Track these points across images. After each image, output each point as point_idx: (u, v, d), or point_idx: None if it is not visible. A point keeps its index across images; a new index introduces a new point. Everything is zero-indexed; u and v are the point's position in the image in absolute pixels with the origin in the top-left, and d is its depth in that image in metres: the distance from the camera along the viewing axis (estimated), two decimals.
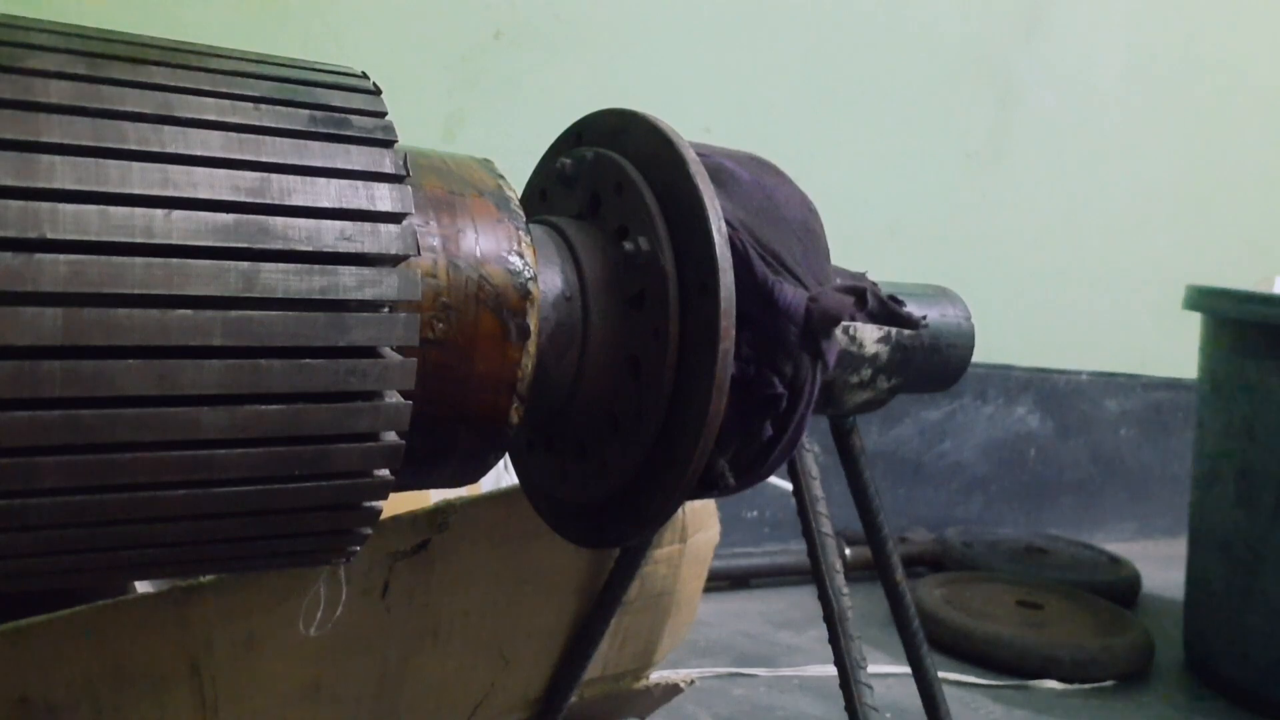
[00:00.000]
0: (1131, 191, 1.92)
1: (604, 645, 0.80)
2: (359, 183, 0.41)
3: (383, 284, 0.40)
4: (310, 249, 0.39)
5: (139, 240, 0.36)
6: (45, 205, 0.34)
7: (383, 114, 0.43)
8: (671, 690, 0.94)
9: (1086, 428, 1.92)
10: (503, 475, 0.92)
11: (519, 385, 0.47)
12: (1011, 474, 1.84)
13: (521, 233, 0.47)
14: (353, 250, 0.40)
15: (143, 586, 0.65)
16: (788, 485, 0.70)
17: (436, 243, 0.45)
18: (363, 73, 0.46)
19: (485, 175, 0.49)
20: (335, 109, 0.42)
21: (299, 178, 0.39)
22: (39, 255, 0.34)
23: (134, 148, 0.36)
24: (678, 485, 0.51)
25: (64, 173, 0.35)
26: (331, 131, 0.41)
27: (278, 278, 0.38)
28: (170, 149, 0.37)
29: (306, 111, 0.41)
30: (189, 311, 0.36)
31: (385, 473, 0.43)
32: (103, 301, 0.35)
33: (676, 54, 1.45)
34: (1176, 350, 1.62)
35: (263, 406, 0.38)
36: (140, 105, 0.37)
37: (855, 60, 1.61)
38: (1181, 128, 1.95)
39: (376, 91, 0.44)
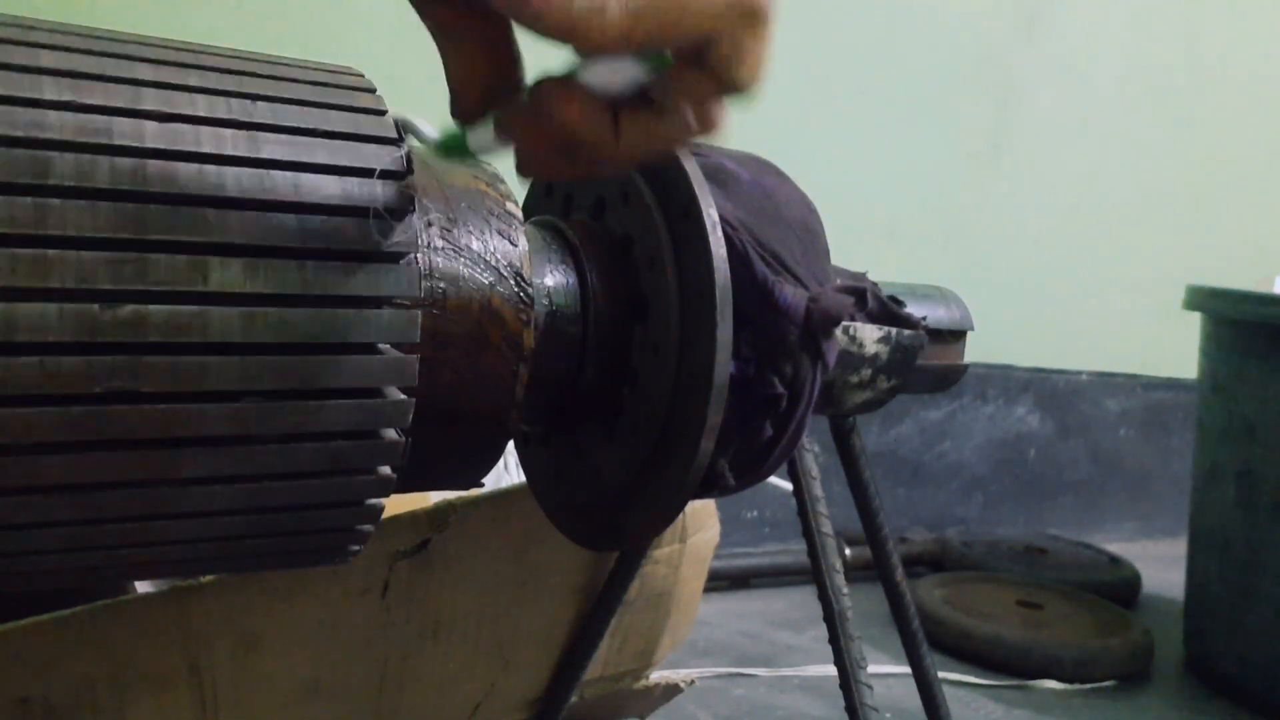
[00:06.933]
0: (1131, 191, 1.92)
1: (604, 645, 0.80)
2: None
3: (381, 282, 0.40)
4: None
5: None
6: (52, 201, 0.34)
7: (382, 113, 0.43)
8: (671, 690, 0.94)
9: (1086, 428, 1.92)
10: (503, 475, 0.92)
11: (518, 386, 0.47)
12: (1011, 474, 1.84)
13: (521, 234, 0.47)
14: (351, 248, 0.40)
15: (143, 586, 0.65)
16: (788, 485, 0.70)
17: (437, 242, 0.45)
18: (361, 74, 0.46)
19: (485, 176, 0.49)
20: (334, 108, 0.42)
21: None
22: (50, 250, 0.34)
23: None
24: (678, 488, 0.51)
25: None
26: (330, 130, 0.41)
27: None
28: None
29: (305, 110, 0.41)
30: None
31: (386, 470, 0.43)
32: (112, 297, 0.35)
33: None
34: (1176, 350, 1.62)
35: (263, 403, 0.38)
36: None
37: (855, 60, 1.61)
38: (1181, 128, 1.95)
39: (374, 93, 0.44)
